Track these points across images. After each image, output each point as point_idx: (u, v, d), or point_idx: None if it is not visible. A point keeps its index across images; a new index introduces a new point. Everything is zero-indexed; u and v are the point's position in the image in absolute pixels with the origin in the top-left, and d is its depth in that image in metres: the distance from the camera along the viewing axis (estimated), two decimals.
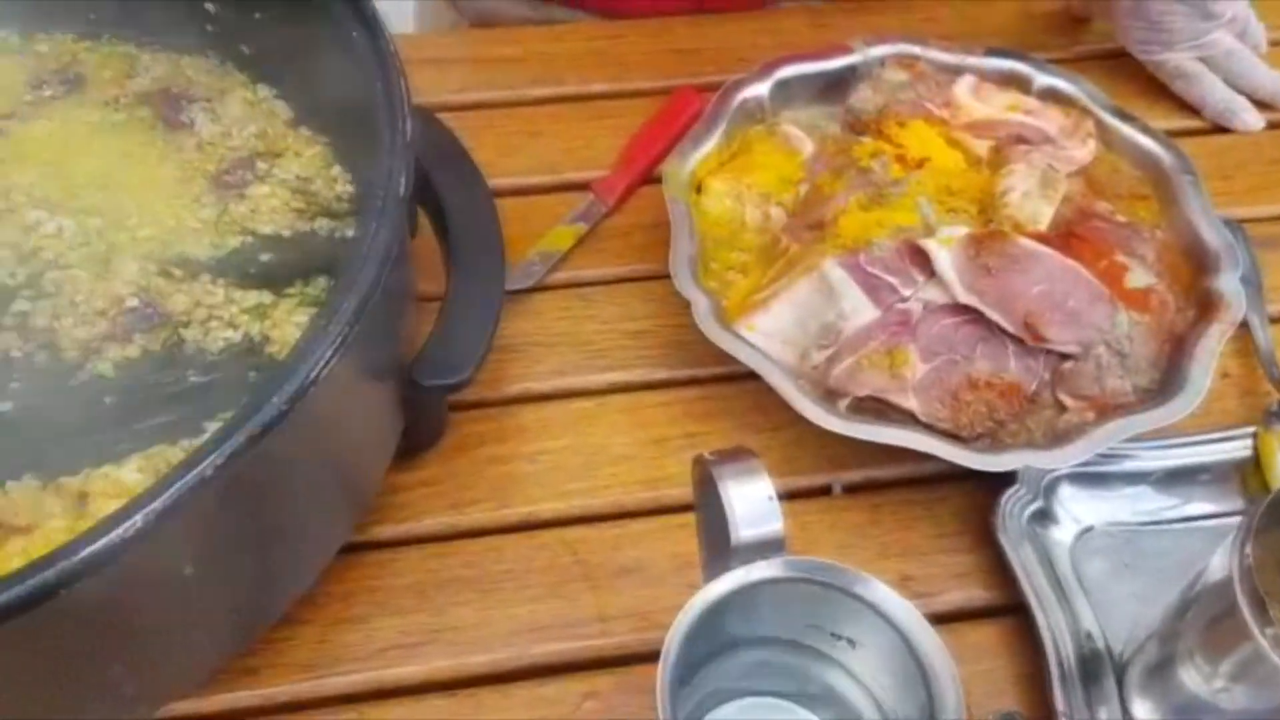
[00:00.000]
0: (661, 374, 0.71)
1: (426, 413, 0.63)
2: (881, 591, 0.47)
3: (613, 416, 0.69)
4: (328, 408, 0.50)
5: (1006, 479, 0.63)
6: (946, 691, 0.45)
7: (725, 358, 0.69)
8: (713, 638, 0.49)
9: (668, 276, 0.74)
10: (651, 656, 0.60)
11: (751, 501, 0.47)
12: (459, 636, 0.61)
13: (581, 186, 0.79)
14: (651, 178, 0.79)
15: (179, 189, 0.66)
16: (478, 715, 0.58)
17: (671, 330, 0.72)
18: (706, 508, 0.52)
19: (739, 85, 0.74)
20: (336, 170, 0.68)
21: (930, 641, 0.46)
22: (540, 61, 0.86)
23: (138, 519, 0.42)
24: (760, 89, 0.75)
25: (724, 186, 0.71)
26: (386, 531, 0.64)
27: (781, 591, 0.48)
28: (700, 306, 0.64)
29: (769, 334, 0.64)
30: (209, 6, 0.70)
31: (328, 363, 0.47)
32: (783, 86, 0.75)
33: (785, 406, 0.66)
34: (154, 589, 0.48)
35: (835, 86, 0.77)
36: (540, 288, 0.74)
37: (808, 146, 0.72)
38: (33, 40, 0.73)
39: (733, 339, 0.63)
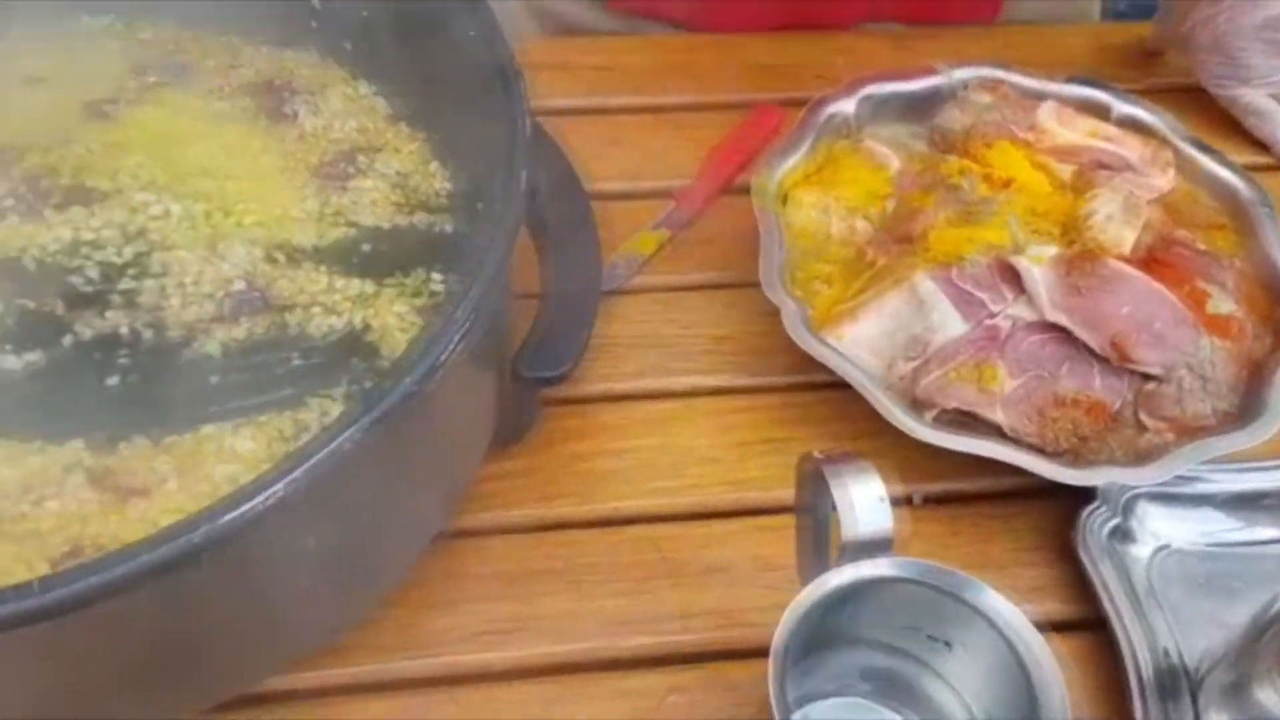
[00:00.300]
0: (742, 380, 0.72)
1: (520, 406, 0.64)
2: (991, 597, 0.48)
3: (696, 419, 0.70)
4: (447, 393, 0.51)
5: (1082, 496, 0.64)
6: (1054, 699, 0.46)
7: (806, 365, 0.71)
8: (809, 635, 0.50)
9: (748, 284, 0.76)
10: (733, 654, 0.62)
11: (864, 501, 0.48)
12: (547, 625, 0.62)
13: (660, 195, 0.81)
14: (731, 189, 0.81)
15: (282, 179, 0.68)
16: (565, 703, 0.59)
17: (753, 337, 0.74)
18: (810, 508, 0.53)
19: (826, 101, 0.76)
20: (434, 166, 0.69)
21: (1040, 650, 0.47)
22: (621, 72, 0.88)
23: (279, 487, 0.43)
24: (847, 105, 0.76)
25: (811, 198, 0.72)
26: (472, 520, 0.65)
27: (887, 592, 0.49)
28: (790, 313, 0.65)
29: (856, 343, 0.66)
30: (315, 3, 0.72)
31: (455, 347, 0.48)
32: (868, 103, 0.77)
33: (866, 415, 0.68)
34: (277, 561, 0.49)
35: (918, 106, 0.78)
36: (623, 291, 0.75)
37: (894, 163, 0.73)
38: (135, 28, 0.75)
39: (822, 346, 0.64)
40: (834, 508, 0.49)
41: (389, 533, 0.56)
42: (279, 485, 0.43)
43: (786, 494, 0.66)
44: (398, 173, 0.69)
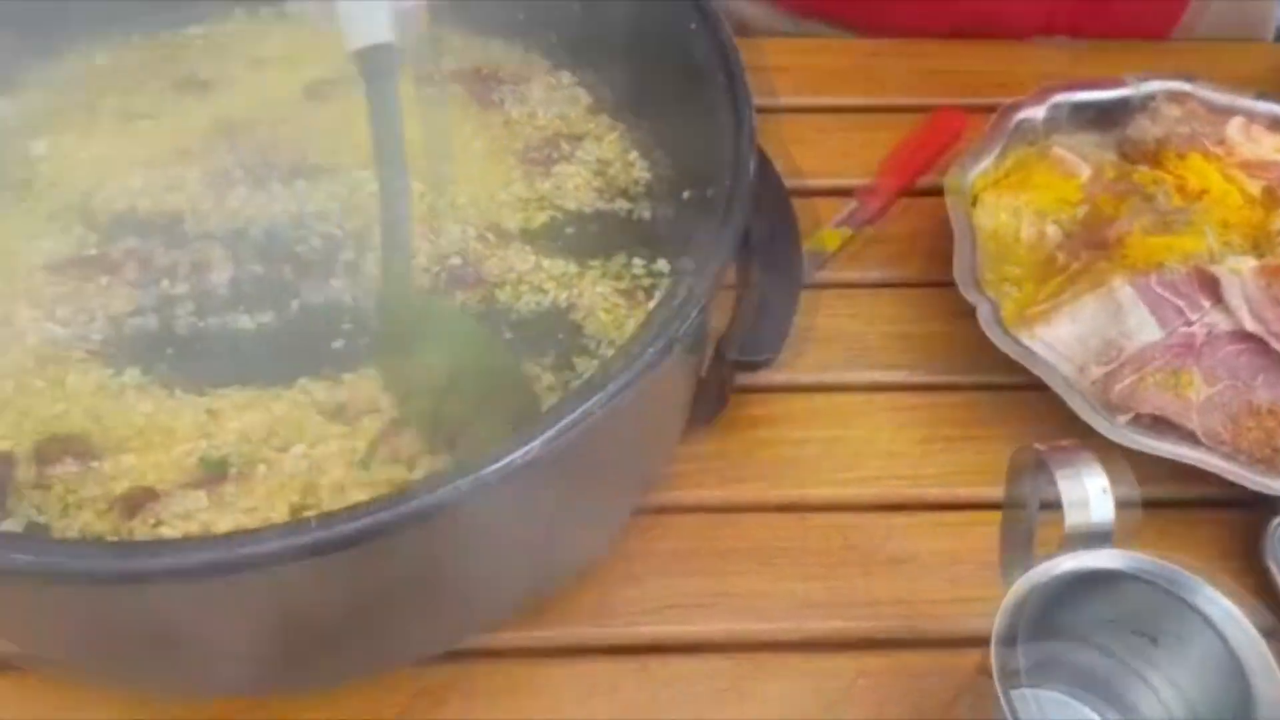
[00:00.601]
0: (922, 377, 0.73)
1: (716, 390, 0.65)
2: (1210, 594, 0.48)
3: (876, 413, 0.71)
4: (669, 369, 0.53)
5: (1267, 507, 0.64)
6: (1274, 699, 0.46)
7: (987, 365, 0.72)
8: (1023, 625, 0.51)
9: (928, 284, 0.77)
10: (918, 644, 0.63)
11: (1087, 492, 0.49)
12: (737, 603, 0.63)
13: (839, 193, 0.82)
14: (911, 190, 0.82)
15: (490, 163, 0.71)
16: (754, 679, 0.61)
17: (933, 336, 0.75)
18: (1021, 501, 0.54)
19: (1017, 106, 0.77)
20: (634, 156, 0.71)
21: (1260, 649, 0.47)
22: (802, 74, 0.89)
23: (535, 445, 0.45)
24: (1037, 112, 0.77)
25: (1001, 201, 0.73)
26: (662, 498, 0.67)
27: (1104, 585, 0.50)
28: (985, 313, 0.66)
29: (1049, 345, 0.66)
30: None
31: (690, 323, 0.50)
32: (1056, 111, 0.77)
33: (1049, 417, 0.68)
34: (509, 521, 0.51)
35: (1105, 116, 0.79)
36: (807, 286, 0.76)
37: (1085, 170, 0.74)
38: None
39: (1018, 346, 0.65)
40: (1052, 501, 0.50)
41: (602, 503, 0.58)
42: (535, 442, 0.45)
43: (968, 491, 0.68)
44: (598, 160, 0.71)
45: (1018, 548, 0.55)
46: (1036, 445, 0.51)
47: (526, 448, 0.45)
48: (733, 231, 0.53)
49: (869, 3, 0.93)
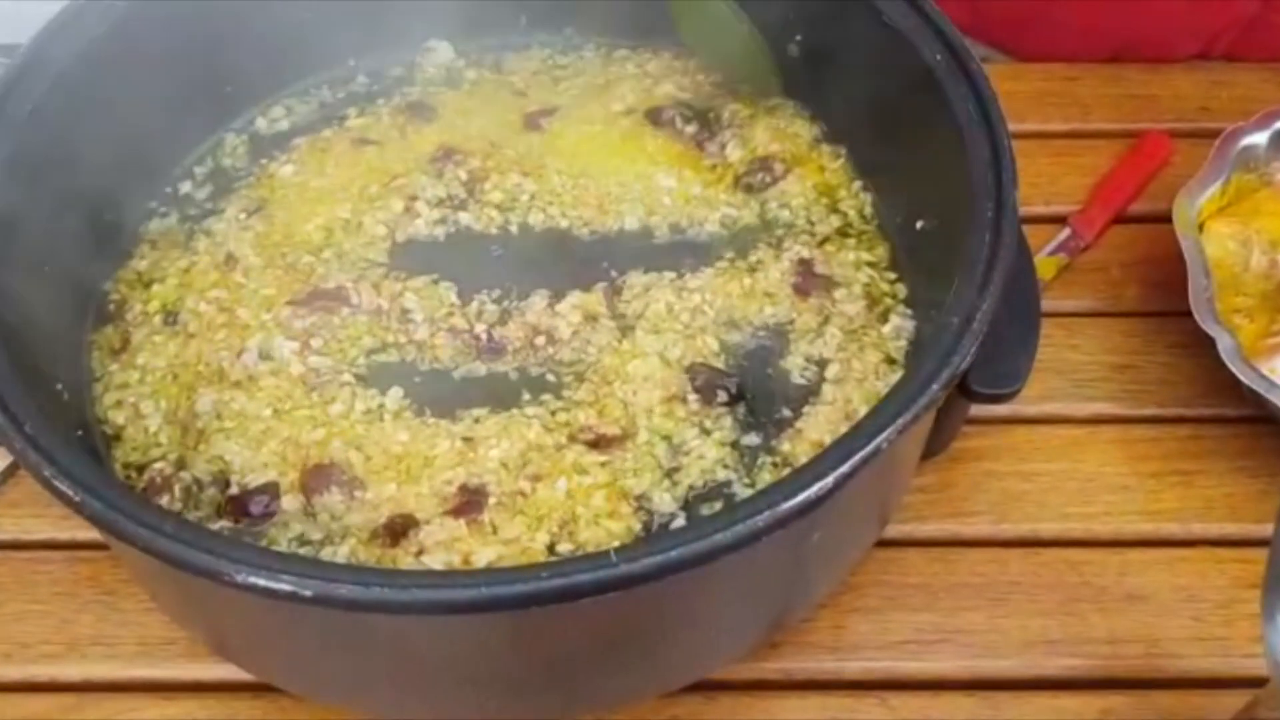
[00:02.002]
0: (1149, 409, 0.72)
1: (949, 422, 0.65)
2: None
3: (1103, 446, 0.70)
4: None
5: None
6: None
7: (1215, 398, 0.70)
8: None
9: (1146, 314, 0.76)
10: (1164, 684, 0.61)
11: None
12: (971, 639, 0.63)
13: (1048, 220, 0.81)
14: (1122, 217, 0.81)
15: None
16: (998, 718, 0.60)
17: (1156, 366, 0.73)
18: None
19: (1240, 132, 0.74)
20: (858, 185, 0.71)
21: None
22: (1001, 98, 0.88)
23: (829, 480, 0.45)
24: (1259, 138, 0.75)
25: (1228, 230, 0.72)
26: (891, 531, 0.66)
27: None
28: (1225, 345, 0.64)
29: None
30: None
31: (968, 356, 0.50)
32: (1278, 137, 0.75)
33: None
34: (780, 556, 0.51)
35: None
36: None
37: None
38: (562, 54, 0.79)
39: (1262, 379, 0.63)
40: None
41: (852, 537, 0.58)
42: (829, 478, 0.45)
43: (1203, 527, 0.67)
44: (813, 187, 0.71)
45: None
46: None
47: (820, 484, 0.45)
48: (1002, 270, 0.52)
49: (1030, 29, 0.92)
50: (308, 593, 0.41)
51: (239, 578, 0.42)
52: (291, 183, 0.69)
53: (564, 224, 0.68)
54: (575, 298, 0.64)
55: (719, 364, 0.62)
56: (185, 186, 0.70)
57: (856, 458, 0.45)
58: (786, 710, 0.61)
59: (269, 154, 0.71)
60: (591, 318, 0.64)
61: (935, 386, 0.48)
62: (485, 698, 0.53)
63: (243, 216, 0.68)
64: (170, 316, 0.63)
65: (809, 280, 0.66)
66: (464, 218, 0.68)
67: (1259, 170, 0.76)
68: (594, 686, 0.55)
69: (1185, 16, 0.89)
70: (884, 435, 0.46)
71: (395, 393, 0.60)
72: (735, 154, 0.71)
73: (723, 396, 0.61)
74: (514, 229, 0.68)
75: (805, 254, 0.67)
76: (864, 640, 0.63)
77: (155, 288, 0.64)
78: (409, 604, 0.42)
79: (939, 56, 0.61)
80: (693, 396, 0.61)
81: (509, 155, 0.71)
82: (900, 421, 0.46)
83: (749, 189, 0.70)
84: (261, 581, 0.42)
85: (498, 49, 0.78)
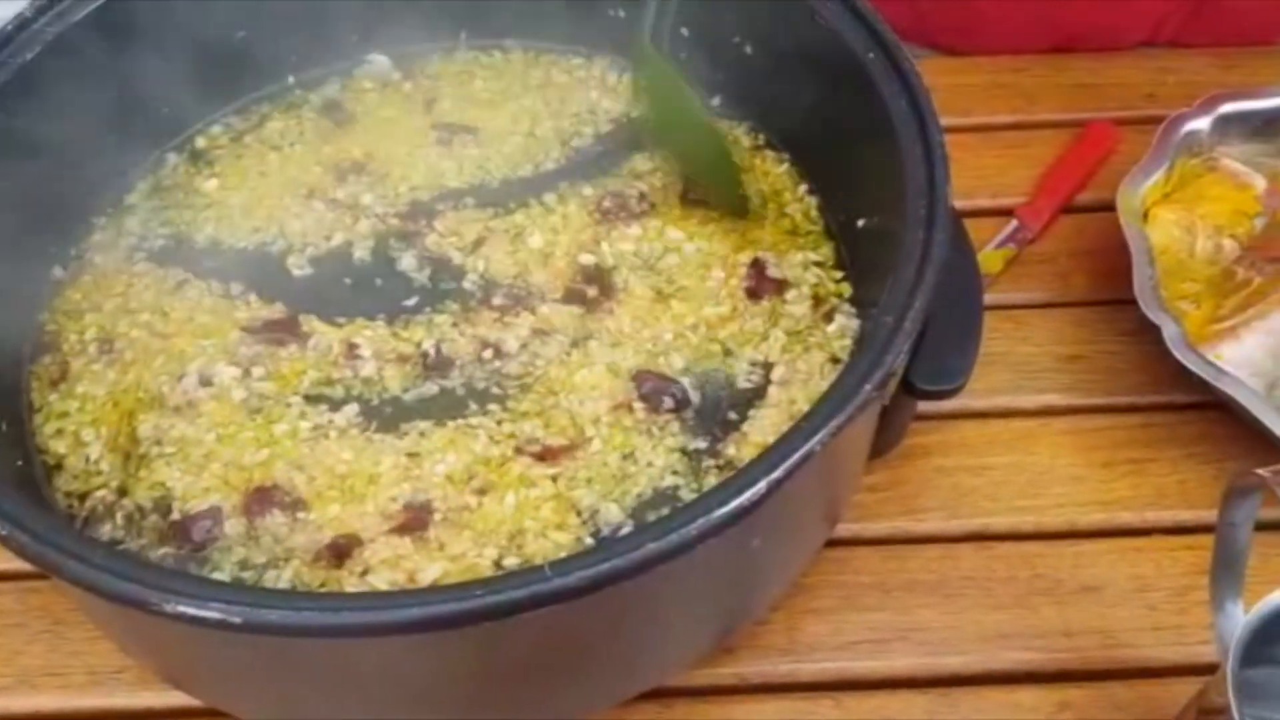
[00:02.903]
0: (1099, 399, 0.72)
1: (895, 420, 0.65)
2: None
3: (1054, 437, 0.70)
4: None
5: None
6: None
7: (1164, 385, 0.70)
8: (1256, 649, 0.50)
9: (1093, 303, 0.76)
10: (1119, 674, 0.61)
11: None
12: (926, 637, 0.63)
13: (995, 213, 0.81)
14: (1069, 207, 0.81)
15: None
16: (953, 715, 0.60)
17: (1104, 356, 0.73)
18: (1237, 523, 0.52)
19: (1182, 119, 0.75)
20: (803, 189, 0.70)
21: None
22: (949, 92, 0.88)
23: (761, 486, 0.45)
24: (1202, 123, 0.75)
25: (1173, 216, 0.72)
26: (842, 530, 0.66)
27: None
28: (1171, 332, 0.65)
29: (1236, 364, 0.65)
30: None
31: (900, 356, 0.50)
32: (1222, 122, 0.76)
33: (1237, 437, 0.67)
34: (725, 561, 0.51)
35: (1270, 125, 0.76)
36: None
37: (1259, 181, 0.72)
38: None
39: (1208, 365, 0.63)
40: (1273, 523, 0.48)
41: (800, 540, 0.58)
42: (761, 484, 0.45)
43: (1157, 515, 0.67)
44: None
45: (1231, 573, 0.53)
46: (1258, 470, 0.50)
47: (753, 489, 0.44)
48: (934, 268, 0.52)
49: (974, 28, 0.92)
50: (237, 620, 0.41)
51: (167, 607, 0.41)
52: (215, 198, 0.69)
53: None
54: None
55: (666, 370, 0.62)
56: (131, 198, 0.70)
57: (790, 461, 0.45)
58: (742, 714, 0.61)
59: (200, 170, 0.71)
60: (541, 331, 0.63)
61: (868, 387, 0.48)
62: (434, 715, 0.52)
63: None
64: (106, 344, 0.62)
65: (762, 283, 0.66)
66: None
67: (1202, 155, 0.76)
68: (545, 699, 0.55)
69: (1130, 3, 0.89)
70: (818, 438, 0.45)
71: (349, 409, 0.60)
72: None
73: (669, 403, 0.60)
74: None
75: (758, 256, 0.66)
76: (818, 641, 0.63)
77: (89, 316, 0.64)
78: (340, 627, 0.41)
79: (871, 55, 0.61)
80: (639, 404, 0.60)
81: None
82: (833, 424, 0.46)
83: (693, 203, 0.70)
84: (190, 610, 0.41)
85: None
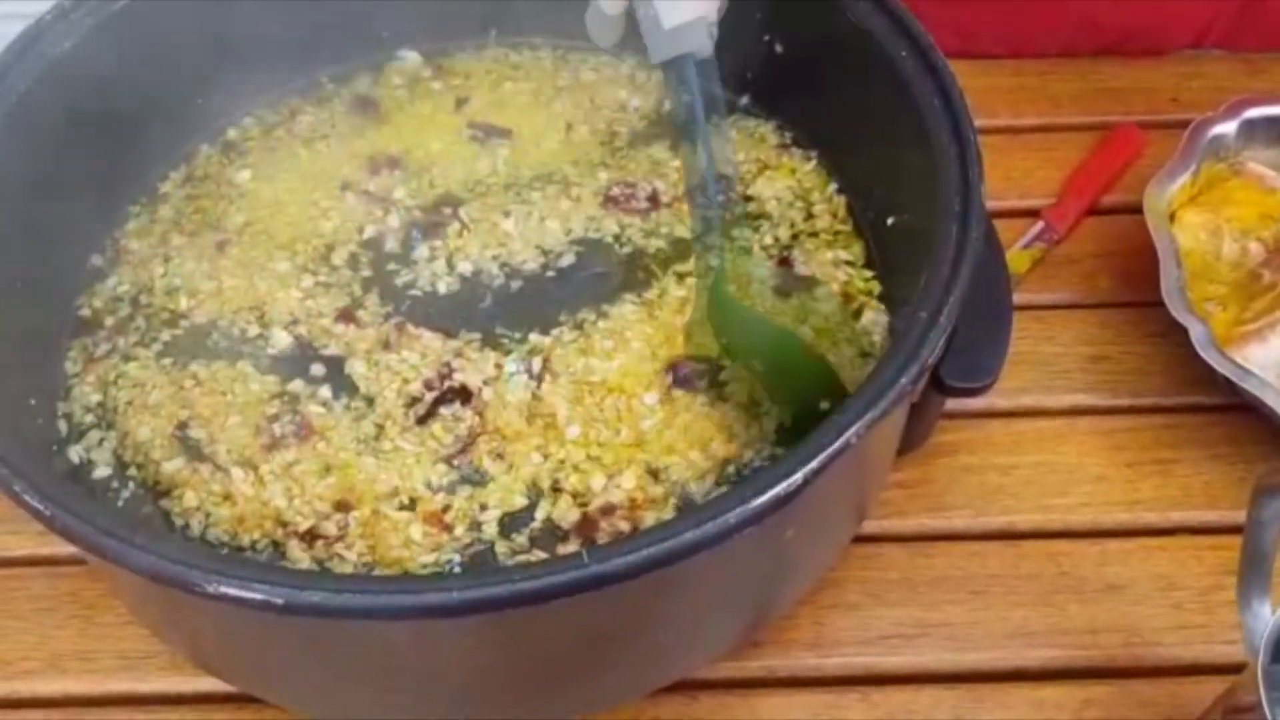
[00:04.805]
0: (1125, 400, 0.72)
1: (924, 417, 0.65)
2: None
3: (1081, 437, 0.70)
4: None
5: None
6: None
7: (1190, 387, 0.71)
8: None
9: (1120, 304, 0.76)
10: (1144, 672, 0.61)
11: None
12: (952, 633, 0.63)
13: (1023, 214, 0.81)
14: (1095, 209, 0.81)
15: None
16: (979, 711, 0.60)
17: (1131, 357, 0.73)
18: (1261, 524, 0.52)
19: (1209, 122, 0.75)
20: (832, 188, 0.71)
21: None
22: (976, 95, 0.88)
23: (798, 476, 0.45)
24: (1228, 127, 0.75)
25: (1199, 219, 0.72)
26: (870, 526, 0.66)
27: None
28: (1198, 334, 0.65)
29: (1263, 366, 0.65)
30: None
31: (936, 350, 0.50)
32: (1248, 127, 0.76)
33: (1262, 439, 0.67)
34: (757, 553, 0.51)
35: None
36: None
37: None
38: None
39: (1235, 367, 0.64)
40: None
41: (831, 533, 0.58)
42: (798, 475, 0.45)
43: (1182, 515, 0.67)
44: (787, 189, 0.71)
45: (1259, 572, 0.53)
46: None
47: (790, 479, 0.45)
48: (969, 265, 0.52)
49: (1012, 32, 0.91)
50: (279, 601, 0.41)
51: (210, 588, 0.42)
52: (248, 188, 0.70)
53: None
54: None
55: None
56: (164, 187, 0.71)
57: (825, 454, 0.45)
58: (769, 708, 0.61)
59: (233, 160, 0.72)
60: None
61: (904, 380, 0.48)
62: (465, 702, 0.53)
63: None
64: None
65: (789, 281, 0.66)
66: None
67: (1228, 159, 0.77)
68: (576, 688, 0.55)
69: (1179, 7, 0.89)
70: (852, 430, 0.46)
71: None
72: None
73: (703, 384, 0.61)
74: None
75: (786, 254, 0.67)
76: (845, 636, 0.63)
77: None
78: (379, 609, 0.42)
79: (904, 54, 0.61)
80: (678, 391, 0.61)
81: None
82: (868, 417, 0.46)
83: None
84: (233, 591, 0.42)
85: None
